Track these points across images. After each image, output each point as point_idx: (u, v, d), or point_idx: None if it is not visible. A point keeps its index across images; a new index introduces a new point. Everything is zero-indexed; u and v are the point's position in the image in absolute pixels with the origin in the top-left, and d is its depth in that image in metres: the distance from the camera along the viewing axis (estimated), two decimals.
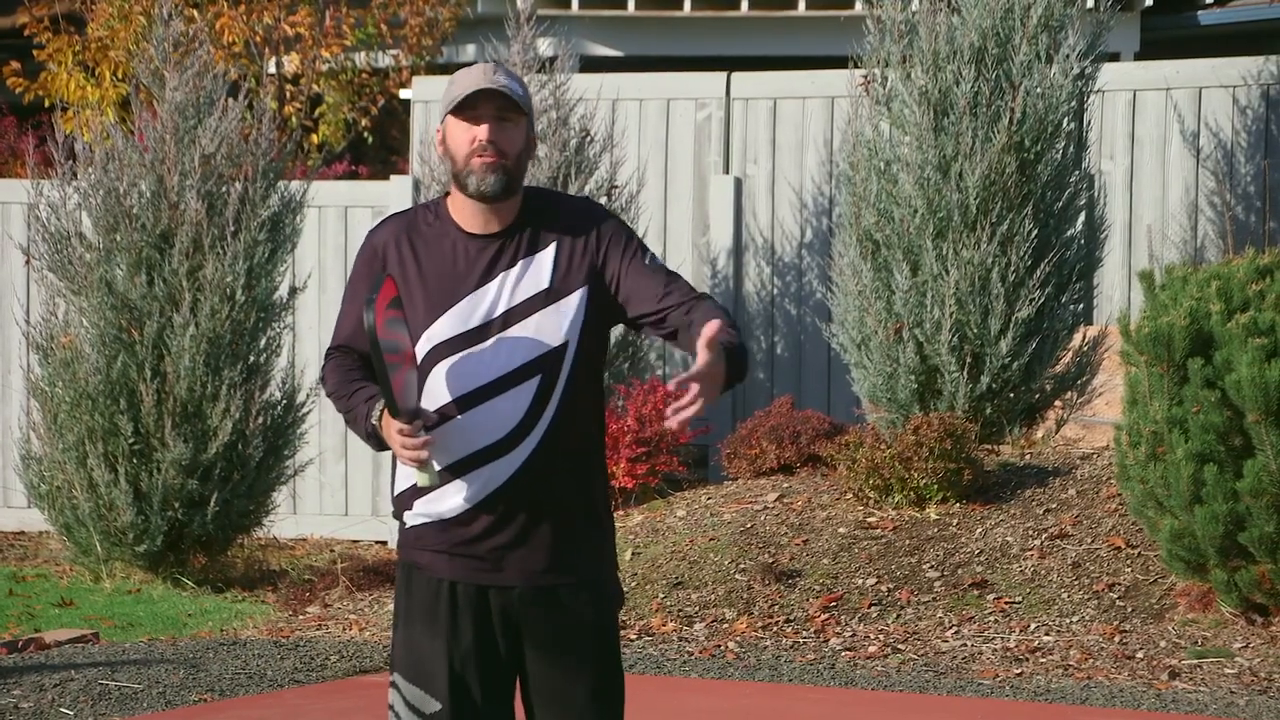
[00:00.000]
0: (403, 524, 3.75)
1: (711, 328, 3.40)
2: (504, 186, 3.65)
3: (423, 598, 3.69)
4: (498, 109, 3.65)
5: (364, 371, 3.73)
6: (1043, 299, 9.33)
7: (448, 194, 3.77)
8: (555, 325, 3.65)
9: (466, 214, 3.70)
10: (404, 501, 3.71)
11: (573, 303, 3.67)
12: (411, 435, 3.57)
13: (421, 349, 3.65)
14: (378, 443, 3.68)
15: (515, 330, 3.64)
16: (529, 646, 3.68)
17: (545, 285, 3.67)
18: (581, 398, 3.69)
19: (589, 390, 3.72)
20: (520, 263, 3.67)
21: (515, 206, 3.72)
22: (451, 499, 3.65)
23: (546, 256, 3.68)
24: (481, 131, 3.64)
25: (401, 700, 3.69)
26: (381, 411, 3.62)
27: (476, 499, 3.64)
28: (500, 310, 3.65)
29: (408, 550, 3.73)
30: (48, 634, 8.19)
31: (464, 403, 3.63)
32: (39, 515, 10.23)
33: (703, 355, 3.41)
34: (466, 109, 3.65)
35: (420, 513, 3.69)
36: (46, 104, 13.15)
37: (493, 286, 3.66)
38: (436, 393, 3.64)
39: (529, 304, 3.66)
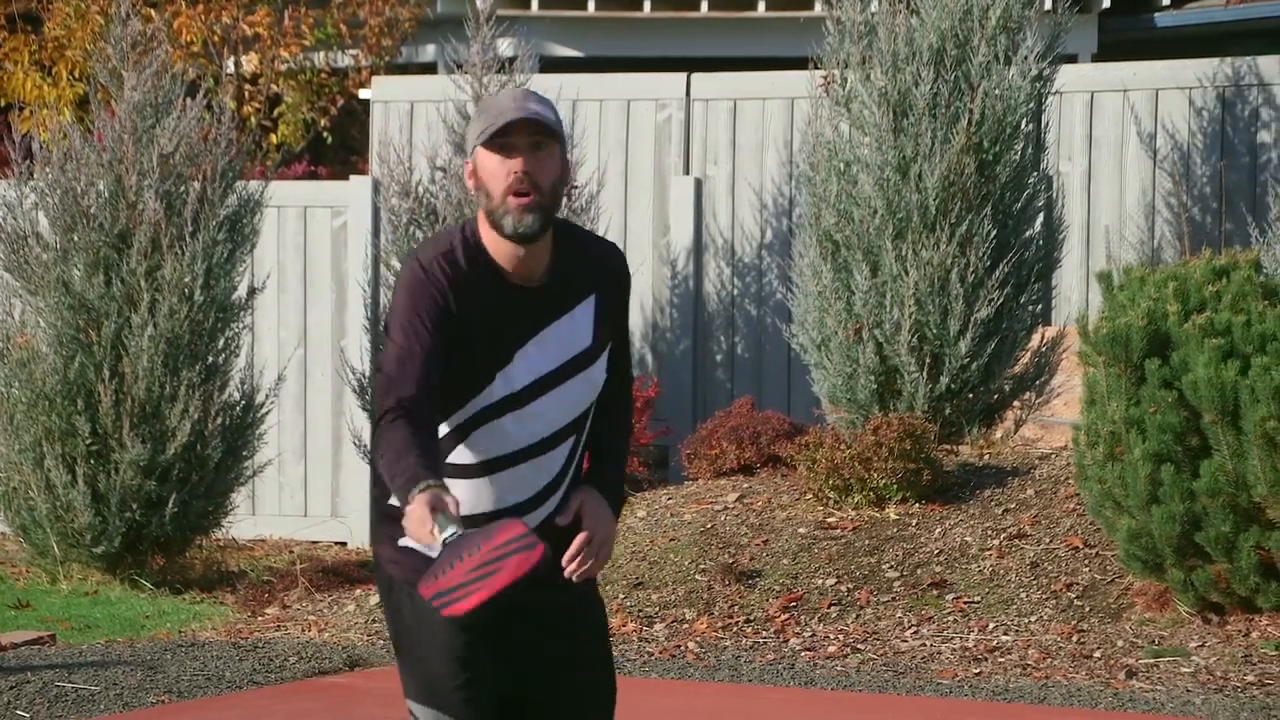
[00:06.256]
0: (394, 542, 3.56)
1: (584, 506, 3.51)
2: (542, 226, 3.46)
3: (426, 621, 3.50)
4: (531, 136, 3.45)
5: (430, 438, 3.39)
6: (1001, 299, 9.36)
7: (473, 220, 3.57)
8: (592, 386, 3.55)
9: (504, 254, 3.50)
10: (398, 520, 3.42)
11: (603, 362, 3.58)
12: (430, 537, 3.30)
13: (470, 409, 3.48)
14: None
15: (558, 393, 3.51)
16: (542, 659, 3.59)
17: (587, 344, 3.54)
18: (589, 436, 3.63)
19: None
20: (563, 318, 3.52)
21: (547, 243, 3.53)
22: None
23: (586, 312, 3.54)
24: (516, 164, 3.43)
25: None
26: (421, 491, 3.28)
27: None
28: (545, 371, 3.50)
29: (402, 571, 3.55)
30: (4, 636, 8.14)
31: (498, 464, 3.50)
32: None
33: (585, 523, 3.51)
34: (498, 139, 3.44)
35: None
36: (2, 104, 13.08)
37: (538, 345, 3.50)
38: (468, 453, 3.50)
39: (572, 365, 3.52)
